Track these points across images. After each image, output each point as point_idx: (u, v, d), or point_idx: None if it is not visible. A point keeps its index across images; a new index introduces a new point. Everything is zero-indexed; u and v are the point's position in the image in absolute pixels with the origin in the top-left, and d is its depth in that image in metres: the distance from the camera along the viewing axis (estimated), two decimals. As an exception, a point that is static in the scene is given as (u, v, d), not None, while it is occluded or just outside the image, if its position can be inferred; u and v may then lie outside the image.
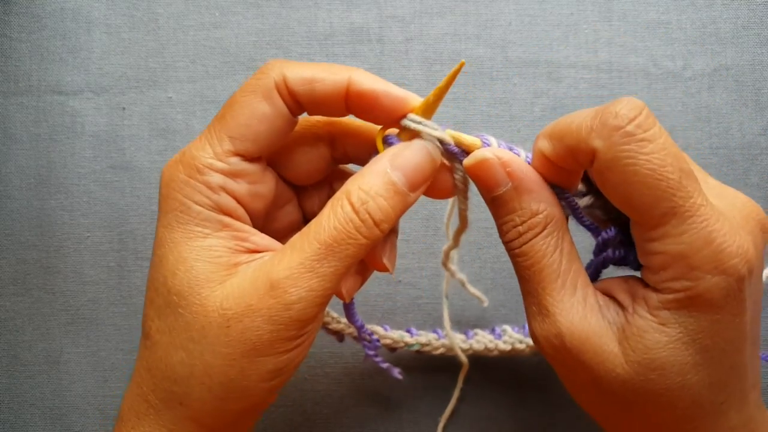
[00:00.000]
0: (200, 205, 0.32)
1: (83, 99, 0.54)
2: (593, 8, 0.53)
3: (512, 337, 0.47)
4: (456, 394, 0.49)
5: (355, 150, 0.37)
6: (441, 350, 0.48)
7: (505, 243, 0.34)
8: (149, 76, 0.54)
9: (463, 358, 0.47)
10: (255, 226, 0.35)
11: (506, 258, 0.52)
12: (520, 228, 0.32)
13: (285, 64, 0.33)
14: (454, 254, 0.44)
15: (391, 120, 0.34)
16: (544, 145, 0.32)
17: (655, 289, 0.31)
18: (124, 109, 0.54)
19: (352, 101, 0.33)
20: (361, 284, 0.38)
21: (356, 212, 0.31)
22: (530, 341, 0.47)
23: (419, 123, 0.33)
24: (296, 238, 0.32)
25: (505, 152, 0.33)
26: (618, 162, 0.29)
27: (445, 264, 0.42)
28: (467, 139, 0.34)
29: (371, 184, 0.32)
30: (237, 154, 0.33)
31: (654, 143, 0.29)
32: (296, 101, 0.33)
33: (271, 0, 0.54)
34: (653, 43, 0.53)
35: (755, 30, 0.53)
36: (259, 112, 0.32)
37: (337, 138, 0.37)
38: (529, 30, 0.53)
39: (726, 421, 0.32)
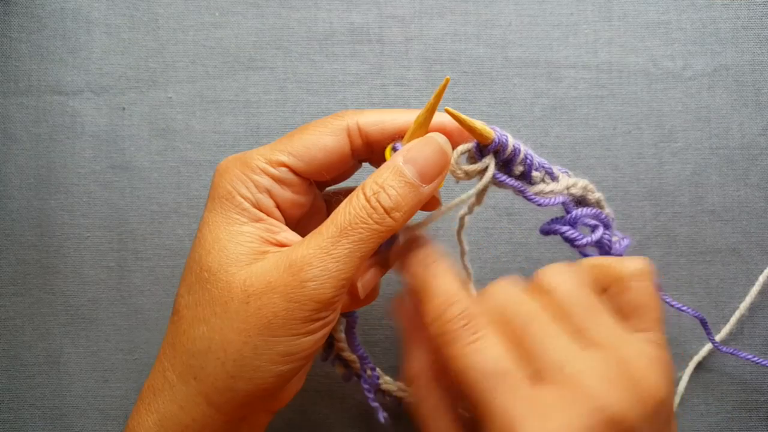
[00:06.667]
0: (243, 198, 0.36)
1: (83, 99, 0.54)
2: (593, 8, 0.53)
3: None
4: None
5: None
6: None
7: None
8: (149, 76, 0.54)
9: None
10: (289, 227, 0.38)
11: (506, 258, 0.53)
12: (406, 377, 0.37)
13: (358, 112, 0.38)
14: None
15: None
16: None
17: None
18: (124, 109, 0.54)
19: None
20: (376, 281, 0.39)
21: (368, 200, 0.34)
22: None
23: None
24: (318, 228, 0.35)
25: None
26: (443, 348, 0.33)
27: (458, 233, 0.42)
28: (481, 128, 0.36)
29: (384, 177, 0.35)
30: (289, 167, 0.37)
31: (473, 345, 0.32)
32: (367, 142, 0.38)
33: (271, 0, 0.54)
34: (653, 43, 0.53)
35: (755, 30, 0.53)
36: (321, 143, 0.37)
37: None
38: (529, 30, 0.53)
39: None
